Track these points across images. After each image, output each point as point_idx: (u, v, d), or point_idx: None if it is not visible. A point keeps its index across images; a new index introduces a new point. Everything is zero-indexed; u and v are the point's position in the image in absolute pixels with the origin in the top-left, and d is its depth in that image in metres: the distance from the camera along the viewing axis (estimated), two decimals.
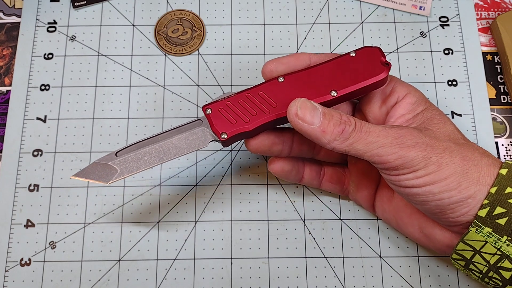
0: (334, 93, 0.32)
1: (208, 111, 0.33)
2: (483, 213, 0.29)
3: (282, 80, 0.33)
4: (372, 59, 0.33)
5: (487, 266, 0.30)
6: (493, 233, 0.29)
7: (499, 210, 0.29)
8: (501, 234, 0.29)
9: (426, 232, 0.34)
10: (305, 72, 0.33)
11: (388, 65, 0.33)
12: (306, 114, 0.30)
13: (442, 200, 0.29)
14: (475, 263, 0.31)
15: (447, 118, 0.33)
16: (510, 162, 0.30)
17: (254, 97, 0.33)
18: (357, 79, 0.33)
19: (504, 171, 0.30)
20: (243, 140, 0.38)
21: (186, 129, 0.33)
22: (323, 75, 0.33)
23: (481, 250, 0.30)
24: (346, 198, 0.40)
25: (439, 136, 0.31)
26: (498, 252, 0.29)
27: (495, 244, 0.29)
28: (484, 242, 0.30)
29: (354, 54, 0.33)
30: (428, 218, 0.33)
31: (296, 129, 0.31)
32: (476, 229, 0.29)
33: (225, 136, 0.32)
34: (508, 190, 0.29)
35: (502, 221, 0.29)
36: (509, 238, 0.29)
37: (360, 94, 0.34)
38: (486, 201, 0.29)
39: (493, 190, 0.29)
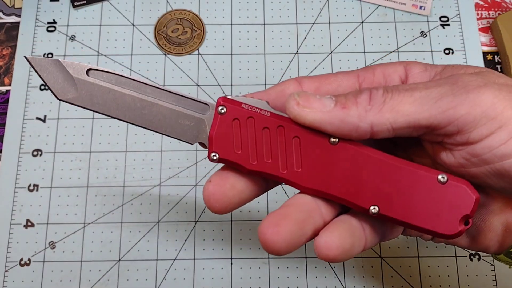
0: (374, 210, 0.23)
1: (222, 110, 0.24)
2: None
3: (336, 142, 0.23)
4: (456, 203, 0.22)
5: None
6: None
7: None
8: None
9: None
10: (377, 157, 0.23)
11: (467, 225, 0.23)
12: (309, 99, 0.22)
13: None
14: None
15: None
16: None
17: (286, 137, 0.23)
18: (418, 214, 0.23)
19: None
20: None
21: (187, 106, 0.25)
22: (381, 179, 0.23)
23: None
24: None
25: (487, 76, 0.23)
26: None
27: None
28: None
29: (444, 180, 0.22)
30: None
31: (306, 124, 0.23)
32: None
33: (215, 158, 0.24)
34: None
35: None
36: None
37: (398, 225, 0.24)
38: None
39: None
